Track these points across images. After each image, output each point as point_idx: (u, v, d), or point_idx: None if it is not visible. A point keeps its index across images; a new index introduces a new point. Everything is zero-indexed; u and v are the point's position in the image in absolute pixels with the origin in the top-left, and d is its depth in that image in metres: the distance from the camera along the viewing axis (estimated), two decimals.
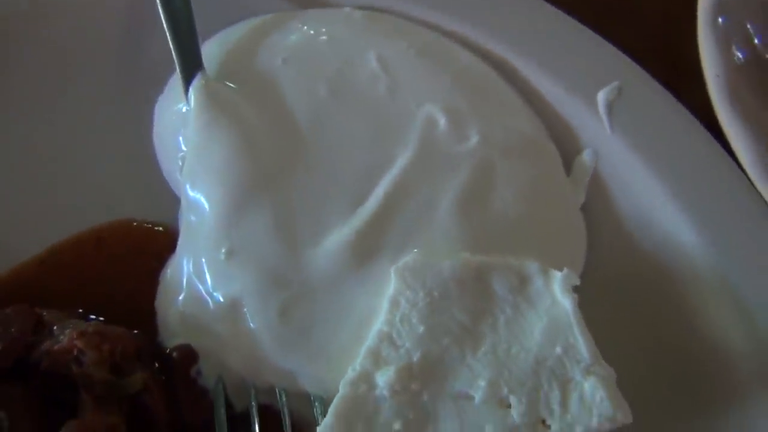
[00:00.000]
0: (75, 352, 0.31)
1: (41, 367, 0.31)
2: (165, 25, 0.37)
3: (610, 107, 0.36)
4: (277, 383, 0.33)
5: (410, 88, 0.36)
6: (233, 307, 0.33)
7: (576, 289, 0.33)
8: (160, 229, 0.37)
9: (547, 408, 0.29)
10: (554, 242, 0.35)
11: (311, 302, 0.33)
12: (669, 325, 0.34)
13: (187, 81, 0.36)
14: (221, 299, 0.33)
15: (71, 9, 0.38)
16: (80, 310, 0.35)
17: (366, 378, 0.29)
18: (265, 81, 0.37)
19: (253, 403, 0.33)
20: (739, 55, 0.37)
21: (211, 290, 0.34)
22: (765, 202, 0.33)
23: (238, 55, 0.38)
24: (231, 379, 0.33)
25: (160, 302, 0.35)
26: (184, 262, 0.35)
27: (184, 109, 0.37)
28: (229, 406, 0.33)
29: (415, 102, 0.36)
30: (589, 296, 0.33)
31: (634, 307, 0.34)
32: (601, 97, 0.36)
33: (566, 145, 0.37)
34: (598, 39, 0.37)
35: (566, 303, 0.30)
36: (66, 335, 0.31)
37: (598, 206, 0.36)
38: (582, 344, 0.29)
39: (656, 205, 0.35)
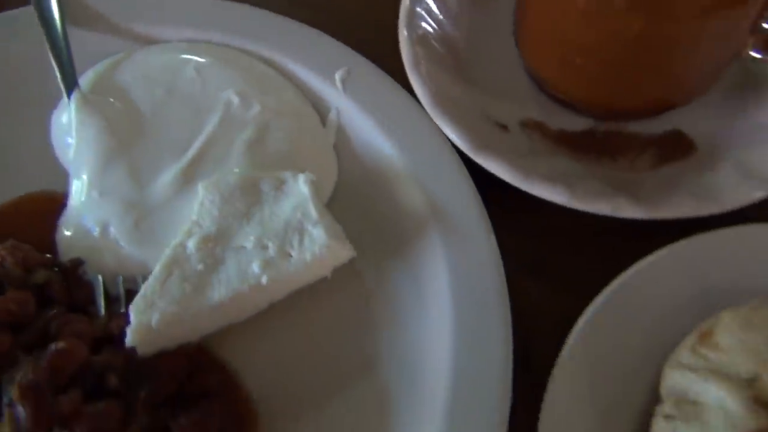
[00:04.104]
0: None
1: None
2: (54, 65, 0.56)
3: (344, 81, 0.56)
4: (136, 272, 0.50)
5: (215, 83, 0.56)
6: (104, 228, 0.51)
7: (331, 200, 0.53)
8: (58, 193, 0.55)
9: (290, 245, 0.47)
10: (314, 168, 0.53)
11: (154, 215, 0.51)
12: (385, 205, 0.52)
13: (69, 95, 0.56)
14: (96, 224, 0.51)
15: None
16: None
17: (181, 245, 0.47)
18: (120, 89, 0.56)
19: (120, 287, 0.50)
20: (426, 48, 0.58)
21: (90, 219, 0.51)
22: (437, 127, 0.53)
23: (101, 77, 0.57)
24: (106, 274, 0.50)
25: (59, 235, 0.52)
26: (72, 207, 0.53)
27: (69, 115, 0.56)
28: (106, 292, 0.50)
29: (219, 90, 0.56)
30: (339, 204, 0.53)
31: (364, 200, 0.53)
32: (338, 76, 0.56)
33: (320, 107, 0.56)
34: (338, 44, 0.58)
35: (305, 189, 0.49)
36: None
37: (344, 144, 0.56)
38: (312, 209, 0.48)
39: (374, 137, 0.54)
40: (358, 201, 0.54)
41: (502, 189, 0.50)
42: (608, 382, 0.45)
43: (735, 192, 0.48)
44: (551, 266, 0.53)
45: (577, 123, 0.57)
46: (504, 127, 0.56)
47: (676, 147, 0.54)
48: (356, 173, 0.55)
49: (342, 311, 0.49)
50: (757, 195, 0.48)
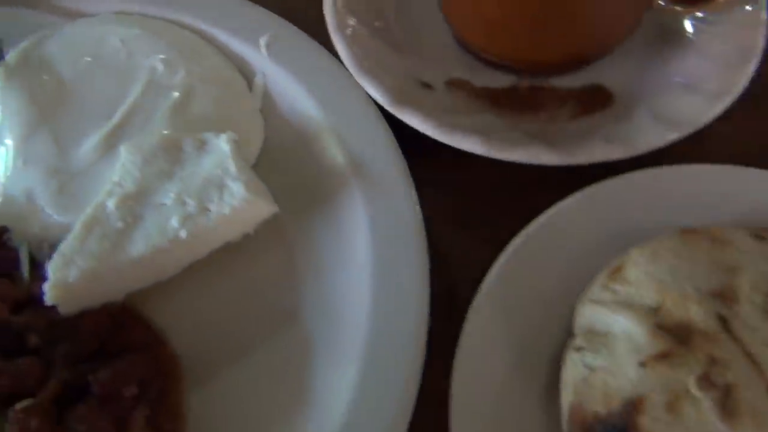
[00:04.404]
0: None
1: None
2: None
3: (269, 46, 0.57)
4: (60, 236, 0.50)
5: (140, 51, 0.56)
6: (29, 195, 0.51)
7: (257, 162, 0.54)
8: None
9: (209, 200, 0.47)
10: (240, 132, 0.53)
11: (78, 180, 0.51)
12: (310, 164, 0.53)
13: None
14: (21, 192, 0.51)
15: None
16: None
17: (101, 204, 0.47)
18: (46, 62, 0.56)
19: (46, 253, 0.50)
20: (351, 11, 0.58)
21: (15, 188, 0.51)
22: (362, 88, 0.54)
23: (27, 52, 0.57)
24: (33, 240, 0.50)
25: None
26: None
27: None
28: (32, 258, 0.50)
29: (144, 58, 0.56)
30: (265, 165, 0.54)
31: (290, 160, 0.54)
32: (262, 41, 0.57)
33: (246, 72, 0.57)
34: (263, 10, 0.59)
35: (226, 147, 0.50)
36: None
37: (270, 108, 0.56)
38: (232, 166, 0.48)
39: (298, 97, 0.55)
40: (284, 162, 0.54)
41: (428, 146, 0.51)
42: (523, 325, 0.45)
43: (647, 136, 0.49)
44: (476, 217, 0.54)
45: (501, 80, 0.57)
46: (428, 86, 0.57)
47: (595, 99, 0.55)
48: (282, 135, 0.55)
49: (265, 266, 0.50)
50: (668, 137, 0.49)
